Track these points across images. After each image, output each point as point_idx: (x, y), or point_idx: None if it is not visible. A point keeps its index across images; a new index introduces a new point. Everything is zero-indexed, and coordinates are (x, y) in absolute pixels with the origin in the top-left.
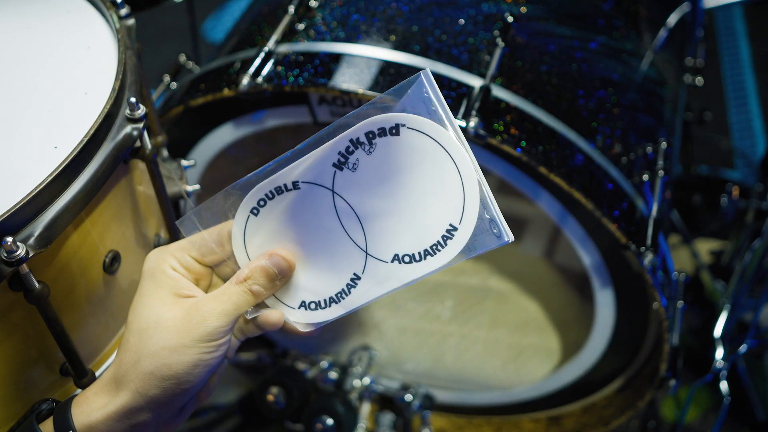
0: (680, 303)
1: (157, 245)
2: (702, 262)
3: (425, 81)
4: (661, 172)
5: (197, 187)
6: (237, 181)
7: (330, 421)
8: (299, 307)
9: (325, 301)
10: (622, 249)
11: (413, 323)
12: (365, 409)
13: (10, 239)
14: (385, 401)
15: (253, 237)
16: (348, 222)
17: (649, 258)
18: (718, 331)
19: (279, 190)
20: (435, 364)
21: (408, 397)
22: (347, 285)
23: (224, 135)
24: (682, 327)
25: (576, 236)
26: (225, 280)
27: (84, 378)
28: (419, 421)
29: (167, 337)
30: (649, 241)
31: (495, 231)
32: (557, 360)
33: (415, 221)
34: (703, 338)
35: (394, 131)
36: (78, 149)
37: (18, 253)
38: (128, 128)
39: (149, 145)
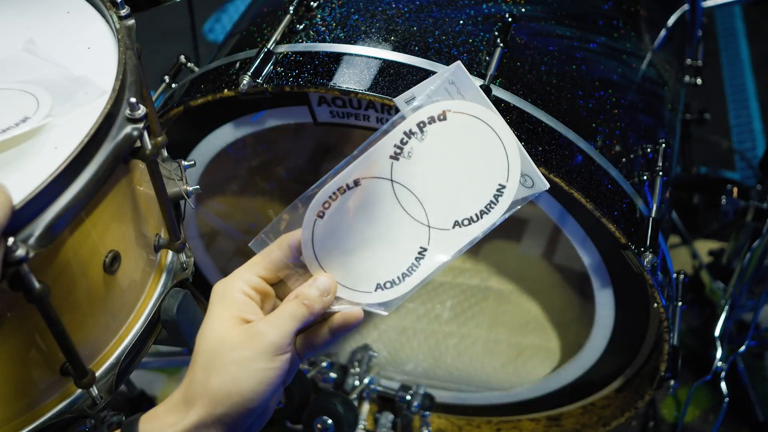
0: (680, 303)
1: (157, 245)
2: (702, 262)
3: (457, 71)
4: (660, 173)
5: (197, 187)
6: (300, 196)
7: (330, 421)
8: (376, 290)
9: (398, 277)
10: (621, 249)
11: (413, 323)
12: (365, 409)
13: (10, 239)
14: (385, 401)
15: (322, 239)
16: (408, 204)
17: (648, 258)
18: (717, 331)
19: (342, 191)
20: (435, 364)
21: (408, 397)
22: (416, 258)
23: (224, 135)
24: (682, 327)
25: (576, 236)
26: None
27: (84, 378)
28: (419, 421)
29: (233, 353)
30: (648, 242)
31: (530, 184)
32: (557, 360)
33: (468, 189)
34: (703, 338)
35: (441, 117)
36: (78, 149)
37: (18, 253)
38: (128, 128)
39: (149, 146)
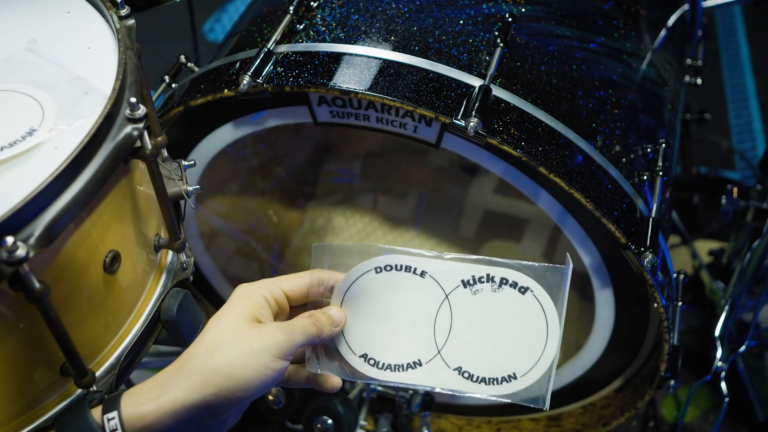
0: (680, 303)
1: (157, 245)
2: (702, 262)
3: (568, 273)
4: (660, 173)
5: (197, 187)
6: (381, 245)
7: (330, 421)
8: (360, 356)
9: (384, 364)
10: (622, 249)
11: None
12: (365, 409)
13: (10, 239)
14: (385, 401)
15: (360, 287)
16: (441, 323)
17: (648, 258)
18: (717, 331)
19: (407, 269)
20: None
21: (408, 397)
22: (407, 364)
23: (224, 135)
24: (682, 327)
25: (576, 236)
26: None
27: (84, 378)
28: (419, 421)
29: (242, 342)
30: (648, 242)
31: (538, 399)
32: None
33: (490, 355)
34: (703, 338)
35: (522, 290)
36: (78, 149)
37: (18, 252)
38: (128, 128)
39: (149, 146)
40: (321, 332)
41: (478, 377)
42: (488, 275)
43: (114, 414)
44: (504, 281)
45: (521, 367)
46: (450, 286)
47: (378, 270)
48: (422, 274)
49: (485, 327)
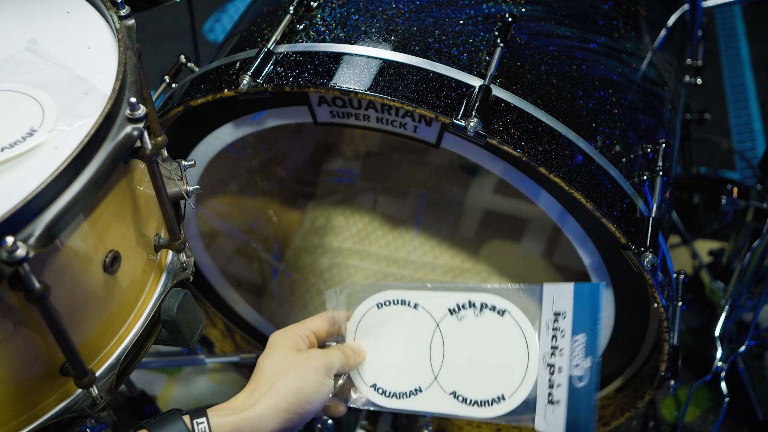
0: (680, 303)
1: (157, 245)
2: (702, 262)
3: (545, 296)
4: (660, 173)
5: (197, 187)
6: (382, 282)
7: (330, 422)
8: (371, 386)
9: (391, 393)
10: (622, 249)
11: None
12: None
13: (10, 239)
14: None
15: (367, 323)
16: (435, 350)
17: (648, 258)
18: (717, 331)
19: (402, 302)
20: None
21: None
22: (410, 391)
23: (224, 135)
24: (682, 327)
25: (576, 236)
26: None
27: (84, 378)
28: (419, 421)
29: (298, 365)
30: (648, 242)
31: (527, 419)
32: None
33: (480, 377)
34: (703, 338)
35: (500, 312)
36: (78, 149)
37: (18, 252)
38: (128, 128)
39: (149, 146)
40: (350, 361)
41: (471, 400)
42: (470, 301)
43: (203, 420)
44: (484, 305)
45: (508, 388)
46: (439, 315)
47: (379, 306)
48: (415, 306)
49: (473, 351)
